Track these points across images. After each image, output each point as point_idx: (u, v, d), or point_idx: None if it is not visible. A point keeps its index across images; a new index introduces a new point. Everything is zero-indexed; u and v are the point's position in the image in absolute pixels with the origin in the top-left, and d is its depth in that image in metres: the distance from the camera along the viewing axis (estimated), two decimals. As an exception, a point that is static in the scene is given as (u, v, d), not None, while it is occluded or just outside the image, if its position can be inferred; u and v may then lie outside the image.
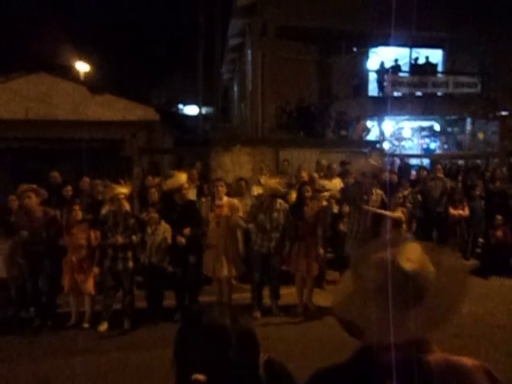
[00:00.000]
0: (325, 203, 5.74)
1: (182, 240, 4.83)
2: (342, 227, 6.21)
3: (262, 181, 6.14)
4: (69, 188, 5.96)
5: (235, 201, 5.17)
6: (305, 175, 6.65)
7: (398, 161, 11.02)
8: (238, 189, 6.09)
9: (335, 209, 6.39)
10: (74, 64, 17.26)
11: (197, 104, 16.29)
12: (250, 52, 16.17)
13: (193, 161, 7.92)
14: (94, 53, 18.00)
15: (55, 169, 6.24)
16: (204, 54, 14.04)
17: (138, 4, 28.78)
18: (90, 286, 4.78)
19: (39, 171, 7.03)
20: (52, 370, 3.87)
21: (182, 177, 5.09)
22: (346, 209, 5.84)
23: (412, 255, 1.01)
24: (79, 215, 4.79)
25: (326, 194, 5.97)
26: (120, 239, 4.67)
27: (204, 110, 15.73)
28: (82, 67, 17.66)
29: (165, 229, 4.97)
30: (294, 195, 5.98)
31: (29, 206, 4.70)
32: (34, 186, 4.84)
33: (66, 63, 16.22)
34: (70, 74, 13.34)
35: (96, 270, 4.81)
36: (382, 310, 0.95)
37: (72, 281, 4.76)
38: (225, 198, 5.08)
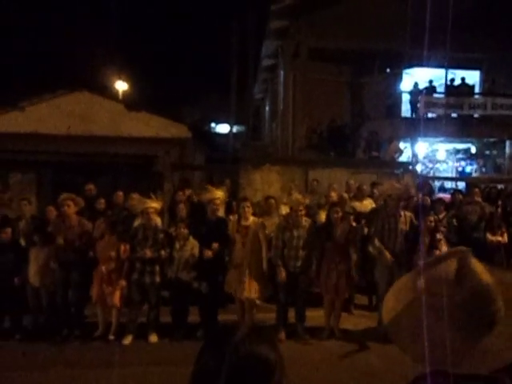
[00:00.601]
0: (354, 224, 5.62)
1: (209, 254, 4.84)
2: (372, 250, 6.04)
3: (290, 197, 6.10)
4: (102, 201, 6.14)
5: (261, 220, 5.13)
6: (334, 195, 6.55)
7: (434, 184, 10.69)
8: (266, 207, 6.07)
9: (365, 231, 6.22)
10: (114, 83, 18.09)
11: (228, 122, 16.60)
12: (282, 73, 16.41)
13: (223, 178, 8.02)
14: (132, 72, 18.82)
15: (91, 182, 6.46)
16: (237, 73, 14.37)
17: (174, 26, 30.02)
18: (116, 298, 4.83)
19: (77, 184, 7.35)
20: (76, 380, 3.92)
21: (219, 192, 5.14)
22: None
23: (482, 269, 0.87)
24: (110, 228, 4.91)
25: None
26: (148, 253, 4.74)
27: (235, 129, 15.98)
28: (121, 86, 18.47)
29: (193, 244, 5.00)
30: (323, 215, 5.91)
31: (66, 214, 4.89)
32: (73, 196, 5.04)
33: (107, 82, 17.02)
34: (109, 92, 14.00)
35: (123, 282, 4.87)
36: (460, 330, 0.82)
37: (100, 292, 4.85)
38: (251, 219, 5.06)
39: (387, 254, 4.98)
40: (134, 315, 4.88)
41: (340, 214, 5.00)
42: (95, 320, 5.03)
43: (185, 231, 5.00)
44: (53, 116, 10.25)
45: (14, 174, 7.63)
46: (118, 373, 4.06)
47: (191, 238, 5.03)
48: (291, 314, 5.13)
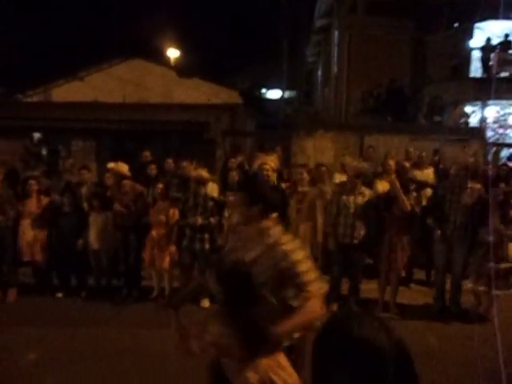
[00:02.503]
0: (414, 194, 5.24)
1: None
2: (431, 224, 5.63)
3: (346, 161, 5.78)
4: (153, 167, 6.22)
5: (319, 188, 4.93)
6: (392, 164, 6.12)
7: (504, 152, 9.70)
8: (318, 175, 5.82)
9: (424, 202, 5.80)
10: (166, 50, 18.12)
11: (280, 88, 16.12)
12: (336, 32, 15.43)
13: (274, 145, 7.81)
14: (184, 39, 18.70)
15: (147, 148, 6.57)
16: (289, 36, 13.74)
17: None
18: (165, 262, 4.95)
19: (134, 150, 7.55)
20: (133, 338, 4.11)
21: (270, 158, 4.99)
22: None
23: None
24: (163, 193, 4.98)
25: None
26: (199, 220, 4.76)
27: (287, 94, 15.49)
28: (173, 53, 18.49)
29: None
30: (379, 184, 5.56)
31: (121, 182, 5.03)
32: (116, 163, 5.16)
33: (159, 49, 17.09)
34: (161, 59, 14.05)
35: (172, 248, 4.96)
36: None
37: (151, 256, 5.00)
38: (308, 185, 4.87)
39: None
40: (185, 280, 4.99)
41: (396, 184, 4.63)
42: (151, 283, 5.24)
43: (233, 199, 4.93)
44: (109, 84, 10.54)
45: (76, 141, 7.99)
46: (174, 335, 4.21)
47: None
48: (345, 286, 4.98)
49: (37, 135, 8.30)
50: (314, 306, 1.87)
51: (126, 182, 5.10)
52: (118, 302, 4.96)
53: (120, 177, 5.09)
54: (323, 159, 7.96)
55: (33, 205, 5.00)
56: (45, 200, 5.07)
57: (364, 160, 7.29)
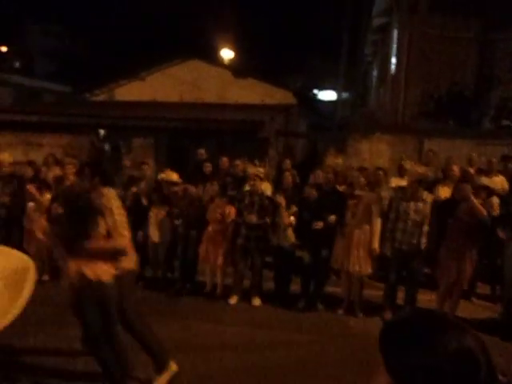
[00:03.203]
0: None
1: (320, 225, 4.70)
2: (501, 234, 5.24)
3: (408, 166, 5.55)
4: (208, 165, 6.36)
5: (376, 193, 4.78)
6: (456, 169, 5.79)
7: None
8: (375, 179, 5.64)
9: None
10: (220, 51, 18.48)
11: (334, 89, 15.86)
12: (395, 31, 14.88)
13: (327, 146, 7.70)
14: (237, 40, 18.97)
15: (202, 146, 6.74)
16: (346, 37, 13.44)
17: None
18: (219, 259, 5.03)
19: (189, 148, 7.79)
20: (185, 331, 4.22)
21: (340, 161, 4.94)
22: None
23: None
24: (221, 191, 5.07)
25: None
26: (254, 218, 4.79)
27: (342, 95, 15.18)
28: (227, 54, 18.83)
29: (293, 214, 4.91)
30: (442, 191, 5.29)
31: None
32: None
33: (214, 50, 17.47)
34: (217, 60, 14.37)
35: (227, 245, 5.03)
36: None
37: (206, 251, 5.11)
38: (364, 190, 4.74)
39: None
40: (238, 278, 5.05)
41: (470, 191, 4.36)
42: (205, 278, 5.36)
43: (283, 200, 4.90)
44: (168, 84, 10.96)
45: (136, 138, 8.38)
46: (225, 330, 4.28)
47: (293, 207, 4.93)
48: (401, 295, 4.79)
49: (102, 132, 8.81)
50: (121, 242, 2.86)
51: (179, 190, 5.25)
52: (172, 295, 5.12)
53: (172, 184, 5.26)
54: (379, 162, 7.71)
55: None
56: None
57: (424, 164, 6.98)
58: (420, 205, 4.53)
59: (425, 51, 12.65)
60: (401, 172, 6.11)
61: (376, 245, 4.59)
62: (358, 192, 4.70)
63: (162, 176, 5.53)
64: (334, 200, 4.88)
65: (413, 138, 8.46)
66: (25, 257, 0.80)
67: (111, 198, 3.03)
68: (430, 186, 5.93)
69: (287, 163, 6.16)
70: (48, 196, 5.30)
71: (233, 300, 4.97)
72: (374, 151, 8.26)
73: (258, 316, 4.70)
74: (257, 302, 4.96)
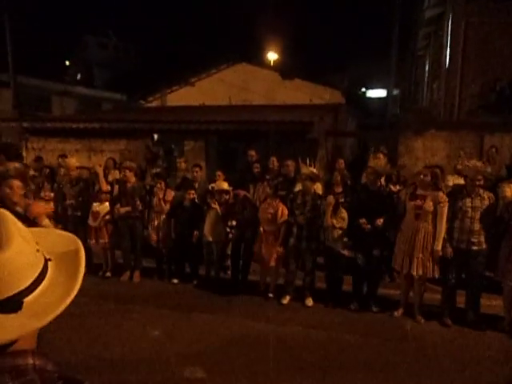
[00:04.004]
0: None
1: (367, 226, 4.61)
2: None
3: (460, 166, 5.26)
4: (257, 165, 6.43)
5: (441, 193, 4.56)
6: (525, 166, 5.40)
7: None
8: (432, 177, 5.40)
9: None
10: (266, 53, 18.62)
11: (383, 86, 15.39)
12: (450, 22, 14.14)
13: (378, 145, 7.48)
14: (283, 41, 19.00)
15: (251, 148, 6.84)
16: (396, 31, 12.98)
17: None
18: (272, 259, 5.07)
19: (237, 151, 7.94)
20: (239, 329, 4.31)
21: (382, 160, 4.80)
22: None
23: None
24: (274, 191, 5.12)
25: None
26: (305, 219, 4.78)
27: (393, 92, 14.71)
28: (272, 56, 18.94)
29: (343, 215, 4.83)
30: (507, 188, 4.96)
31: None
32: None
33: (260, 53, 17.64)
34: (264, 62, 14.50)
35: (279, 245, 5.05)
36: None
37: (259, 251, 5.17)
38: (428, 189, 4.53)
39: None
40: (290, 277, 5.06)
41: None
42: (257, 278, 5.43)
43: (333, 201, 4.83)
44: (217, 88, 11.25)
45: (188, 142, 8.68)
46: (278, 329, 4.32)
47: (342, 209, 4.86)
48: (461, 300, 4.55)
49: (155, 136, 9.21)
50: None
51: (229, 197, 5.40)
52: (225, 293, 5.25)
53: (223, 193, 5.40)
54: (434, 161, 7.38)
55: (159, 198, 5.59)
56: (169, 195, 5.63)
57: (486, 162, 6.58)
58: (477, 201, 4.29)
59: (482, 41, 11.91)
60: (459, 170, 5.81)
61: (439, 247, 4.39)
62: (421, 191, 4.52)
63: (213, 185, 5.70)
64: (380, 201, 4.73)
65: (472, 134, 8.00)
66: (72, 237, 0.85)
67: None
68: (493, 185, 5.60)
69: (340, 163, 6.07)
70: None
71: (285, 300, 5.00)
72: (428, 149, 7.91)
73: (310, 316, 4.69)
74: (309, 302, 4.95)
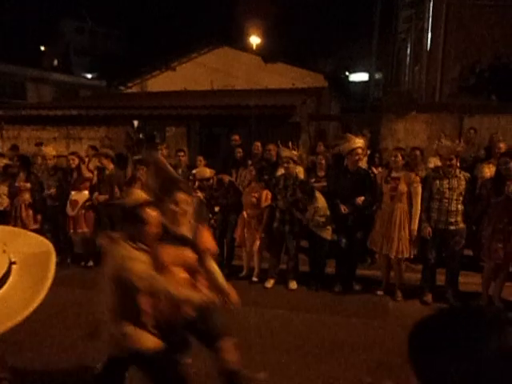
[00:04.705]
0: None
1: (346, 209, 4.65)
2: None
3: (438, 144, 5.34)
4: (239, 150, 6.38)
5: (414, 173, 4.63)
6: (503, 146, 5.49)
7: None
8: (411, 159, 5.46)
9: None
10: (248, 37, 18.34)
11: (365, 70, 15.39)
12: (431, 4, 14.15)
13: (361, 128, 7.51)
14: (265, 25, 18.73)
15: (234, 133, 6.78)
16: (379, 14, 12.92)
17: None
18: (256, 243, 5.08)
19: (221, 135, 7.87)
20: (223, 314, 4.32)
21: (360, 140, 4.80)
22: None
23: None
24: (257, 175, 5.09)
25: None
26: (287, 203, 4.78)
27: (374, 76, 14.72)
28: (254, 40, 18.67)
29: (321, 199, 4.86)
30: (486, 168, 5.05)
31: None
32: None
33: (242, 37, 17.36)
34: (246, 46, 14.28)
35: (263, 229, 5.05)
36: None
37: (242, 236, 5.17)
38: (402, 170, 4.60)
39: None
40: (274, 261, 5.09)
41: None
42: (241, 263, 5.44)
43: (320, 184, 4.86)
44: (198, 73, 11.05)
45: (170, 127, 8.54)
46: (262, 312, 4.35)
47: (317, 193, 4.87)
48: (441, 278, 4.66)
49: (136, 123, 9.03)
50: None
51: (213, 181, 5.35)
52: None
53: (205, 180, 5.34)
54: (415, 143, 7.45)
55: (142, 184, 5.49)
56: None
57: (464, 143, 6.67)
58: (454, 182, 4.36)
59: (463, 23, 11.95)
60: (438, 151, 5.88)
61: (415, 226, 4.47)
62: (395, 174, 4.58)
63: (194, 173, 5.62)
64: (361, 182, 4.76)
65: (452, 116, 8.10)
66: (44, 240, 0.78)
67: None
68: (471, 166, 5.70)
69: (320, 145, 6.07)
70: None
71: (269, 284, 5.03)
72: (410, 131, 7.98)
73: (294, 299, 4.74)
74: (293, 285, 4.99)
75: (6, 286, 0.78)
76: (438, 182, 4.42)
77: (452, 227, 4.38)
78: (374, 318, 4.23)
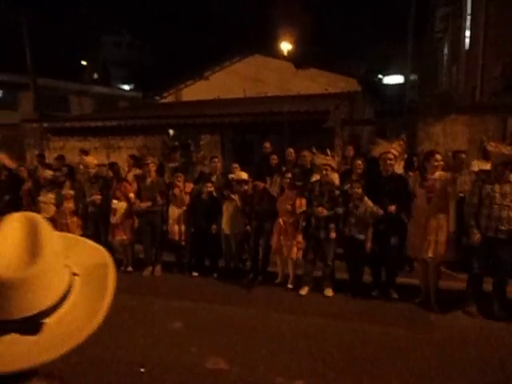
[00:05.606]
0: None
1: (380, 212, 4.56)
2: None
3: (491, 147, 5.11)
4: (274, 157, 6.40)
5: (450, 174, 4.48)
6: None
7: None
8: (456, 162, 5.28)
9: None
10: (279, 44, 18.44)
11: (399, 72, 15.04)
12: (469, 2, 13.65)
13: (396, 132, 7.32)
14: (296, 31, 18.77)
15: (267, 140, 6.81)
16: (414, 15, 12.60)
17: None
18: (293, 250, 5.06)
19: (254, 142, 7.93)
20: (259, 319, 4.33)
21: (390, 145, 4.70)
22: None
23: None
24: (288, 182, 5.09)
25: None
26: (324, 211, 4.73)
27: (410, 78, 14.36)
28: (286, 46, 18.74)
29: (367, 205, 4.77)
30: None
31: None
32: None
33: (273, 44, 17.46)
34: (277, 53, 14.36)
35: (299, 236, 5.04)
36: None
37: (278, 243, 5.17)
38: (438, 173, 4.46)
39: None
40: (309, 268, 5.04)
41: None
42: (276, 269, 5.44)
43: (359, 191, 4.79)
44: (231, 81, 11.23)
45: (204, 135, 8.71)
46: (297, 320, 4.32)
47: (366, 198, 4.79)
48: (487, 288, 4.44)
49: (171, 131, 9.28)
50: None
51: (248, 188, 5.41)
52: (244, 285, 5.28)
53: (242, 183, 5.40)
54: (454, 146, 7.18)
55: (181, 191, 5.64)
56: (189, 187, 5.68)
57: (509, 145, 6.36)
58: (507, 188, 4.14)
59: (505, 18, 11.43)
60: (485, 154, 5.62)
61: (453, 228, 4.31)
62: (430, 176, 4.44)
63: (232, 176, 5.71)
64: (395, 187, 4.65)
65: (494, 117, 7.73)
66: (102, 249, 0.75)
67: None
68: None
69: (349, 150, 5.98)
70: (131, 195, 5.76)
71: (303, 291, 4.99)
72: (449, 134, 7.70)
73: (331, 306, 4.67)
74: (329, 292, 4.92)
75: (68, 302, 0.76)
76: (488, 186, 4.23)
77: (502, 235, 4.15)
78: (414, 329, 4.10)
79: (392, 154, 4.73)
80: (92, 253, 0.87)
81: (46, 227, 0.75)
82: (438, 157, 4.46)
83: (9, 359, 0.68)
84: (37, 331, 0.71)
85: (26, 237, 0.73)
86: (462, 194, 4.78)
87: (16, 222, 0.75)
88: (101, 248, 0.89)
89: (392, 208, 4.54)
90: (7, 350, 0.69)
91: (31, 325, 0.71)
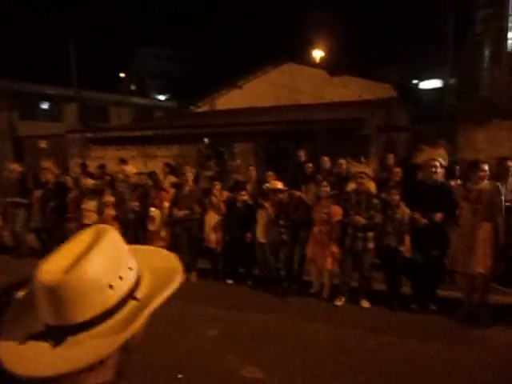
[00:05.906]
0: None
1: (424, 221, 4.42)
2: None
3: None
4: (309, 165, 6.36)
5: (497, 184, 4.28)
6: None
7: None
8: (502, 170, 5.05)
9: None
10: (312, 51, 18.45)
11: (436, 76, 14.61)
12: (511, 2, 13.08)
13: (434, 139, 7.10)
14: (328, 38, 18.70)
15: (301, 148, 6.80)
16: (453, 17, 12.25)
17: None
18: (328, 260, 4.99)
19: (288, 150, 7.94)
20: (294, 329, 4.29)
21: (435, 152, 4.57)
22: None
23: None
24: (327, 191, 5.05)
25: None
26: (362, 220, 4.65)
27: (442, 83, 13.95)
28: (318, 53, 18.73)
29: (404, 212, 4.65)
30: None
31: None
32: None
33: (306, 52, 17.49)
34: (310, 61, 14.36)
35: (334, 246, 4.96)
36: None
37: (313, 252, 5.12)
38: (484, 183, 4.27)
39: None
40: (345, 279, 4.96)
41: None
42: (311, 278, 5.38)
43: (396, 197, 4.68)
44: (264, 89, 11.34)
45: (238, 144, 8.82)
46: (333, 331, 4.25)
47: (403, 205, 4.67)
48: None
49: (206, 140, 9.47)
50: None
51: (284, 197, 5.35)
52: (279, 294, 5.25)
53: (277, 192, 5.39)
54: (497, 153, 6.86)
55: (218, 199, 5.73)
56: (224, 195, 5.76)
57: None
58: None
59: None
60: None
61: (503, 240, 4.11)
62: (475, 187, 4.26)
63: (267, 185, 5.72)
64: (439, 196, 4.49)
65: (543, 122, 7.34)
66: (173, 256, 0.75)
67: None
68: None
69: (390, 158, 5.85)
70: (166, 203, 5.91)
71: (339, 301, 4.91)
72: (492, 140, 7.37)
73: (367, 318, 4.56)
74: (365, 303, 4.81)
75: (110, 321, 0.72)
76: None
77: None
78: (455, 344, 3.92)
79: (436, 160, 4.60)
80: (163, 259, 0.85)
81: (109, 240, 0.73)
82: (485, 167, 4.27)
83: (39, 365, 0.66)
84: (58, 342, 0.68)
85: (84, 247, 0.71)
86: (508, 204, 4.57)
87: (85, 233, 0.75)
88: (172, 255, 0.86)
89: (439, 216, 4.39)
90: (37, 355, 0.68)
91: (54, 334, 0.68)
